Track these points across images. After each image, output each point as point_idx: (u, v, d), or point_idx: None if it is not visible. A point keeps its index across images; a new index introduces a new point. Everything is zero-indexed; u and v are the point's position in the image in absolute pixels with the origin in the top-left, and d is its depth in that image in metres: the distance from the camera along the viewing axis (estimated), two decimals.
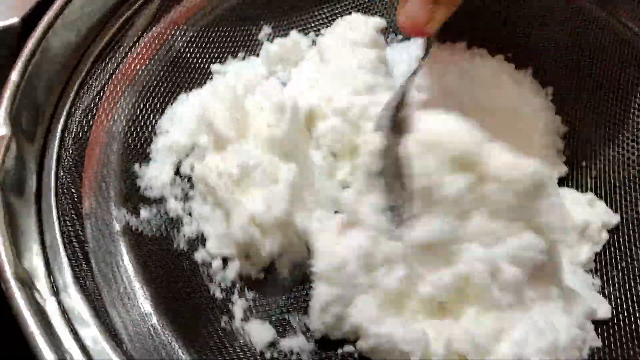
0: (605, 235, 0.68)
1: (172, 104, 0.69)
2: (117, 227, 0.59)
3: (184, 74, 0.72)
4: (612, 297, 0.64)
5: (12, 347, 0.47)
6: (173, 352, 0.54)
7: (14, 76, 0.55)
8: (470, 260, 0.56)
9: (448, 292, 0.56)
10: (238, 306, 0.60)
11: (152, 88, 0.69)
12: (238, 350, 0.57)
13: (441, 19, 0.57)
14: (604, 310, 0.63)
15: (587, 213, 0.68)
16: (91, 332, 0.50)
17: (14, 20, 0.69)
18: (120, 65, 0.67)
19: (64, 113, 0.61)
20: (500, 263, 0.56)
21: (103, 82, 0.65)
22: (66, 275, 0.52)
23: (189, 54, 0.73)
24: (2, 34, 0.69)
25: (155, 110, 0.68)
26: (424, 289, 0.57)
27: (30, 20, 0.69)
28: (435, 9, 0.56)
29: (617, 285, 0.64)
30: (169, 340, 0.54)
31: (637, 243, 0.66)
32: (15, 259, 0.46)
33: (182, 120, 0.68)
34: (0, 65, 0.66)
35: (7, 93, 0.54)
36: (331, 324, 0.57)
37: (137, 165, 0.65)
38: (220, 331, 0.58)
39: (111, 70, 0.66)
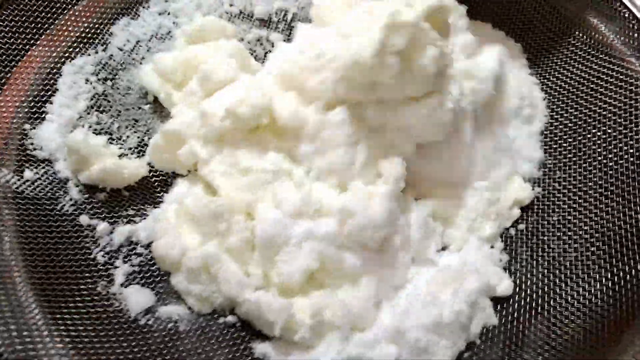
0: (516, 212, 0.65)
1: (72, 64, 0.68)
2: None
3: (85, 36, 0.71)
4: (518, 274, 0.61)
5: None
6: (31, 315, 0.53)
7: None
8: None
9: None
10: (121, 271, 0.58)
11: (55, 48, 0.67)
12: (111, 316, 0.55)
13: None
14: (504, 286, 0.60)
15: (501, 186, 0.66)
16: None
17: None
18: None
19: None
20: None
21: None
22: None
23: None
24: None
25: (54, 72, 0.67)
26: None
27: None
28: None
29: (523, 262, 0.62)
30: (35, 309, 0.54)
31: (550, 219, 0.63)
32: None
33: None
34: None
35: None
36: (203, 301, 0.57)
37: (27, 125, 0.63)
38: (94, 296, 0.56)
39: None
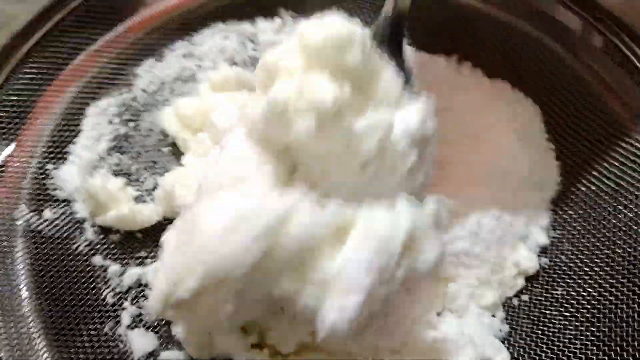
0: (520, 282, 0.65)
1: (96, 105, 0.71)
2: (17, 224, 0.61)
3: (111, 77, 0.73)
4: (517, 346, 0.61)
5: None
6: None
7: None
8: None
9: None
10: (128, 312, 0.61)
11: (80, 89, 0.71)
12: (116, 357, 0.58)
13: None
14: (501, 359, 0.60)
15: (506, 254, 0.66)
16: None
17: None
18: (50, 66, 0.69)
19: None
20: None
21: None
22: None
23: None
24: None
25: (79, 113, 0.70)
26: None
27: None
28: None
29: (523, 334, 0.62)
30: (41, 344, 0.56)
31: (554, 292, 0.63)
32: None
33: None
34: None
35: None
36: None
37: (50, 165, 0.66)
38: (102, 336, 0.59)
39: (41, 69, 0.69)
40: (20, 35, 0.67)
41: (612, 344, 0.57)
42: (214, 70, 0.75)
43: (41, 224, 0.63)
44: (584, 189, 0.67)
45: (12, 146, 0.65)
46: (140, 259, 0.64)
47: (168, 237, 0.54)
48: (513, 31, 0.76)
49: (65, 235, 0.63)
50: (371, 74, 0.52)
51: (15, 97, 0.67)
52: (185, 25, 0.78)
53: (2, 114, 0.66)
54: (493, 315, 0.62)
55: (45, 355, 0.56)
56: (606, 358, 0.57)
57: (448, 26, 0.79)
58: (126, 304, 0.61)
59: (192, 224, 0.50)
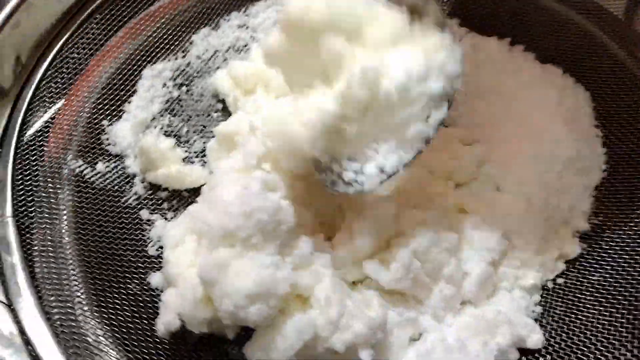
0: (561, 265, 0.65)
1: (152, 68, 0.74)
2: (68, 174, 0.65)
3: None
4: (548, 328, 0.61)
5: None
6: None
7: None
8: None
9: None
10: None
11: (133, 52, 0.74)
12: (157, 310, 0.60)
13: None
14: (534, 340, 0.60)
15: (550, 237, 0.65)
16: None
17: None
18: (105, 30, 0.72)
19: (45, 65, 0.67)
20: None
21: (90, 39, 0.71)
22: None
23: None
24: None
25: (134, 74, 0.73)
26: None
27: None
28: None
29: (556, 317, 0.61)
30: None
31: (591, 278, 0.62)
32: None
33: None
34: None
35: None
36: None
37: (105, 122, 0.69)
38: (144, 286, 0.61)
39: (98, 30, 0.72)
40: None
41: None
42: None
43: (94, 175, 0.66)
44: (628, 177, 0.66)
45: (67, 100, 0.68)
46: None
47: None
48: (568, 21, 0.76)
49: (115, 188, 0.66)
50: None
51: (76, 55, 0.70)
52: None
53: (62, 70, 0.69)
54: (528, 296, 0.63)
55: (86, 305, 0.58)
56: (638, 347, 0.56)
57: (502, 11, 0.79)
58: None
59: None
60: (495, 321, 0.59)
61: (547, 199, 0.65)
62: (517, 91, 0.72)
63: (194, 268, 0.53)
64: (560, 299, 0.62)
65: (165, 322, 0.53)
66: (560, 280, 0.63)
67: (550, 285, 0.63)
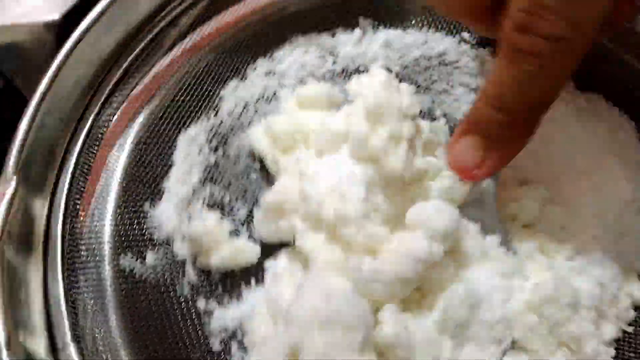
0: (632, 313, 0.63)
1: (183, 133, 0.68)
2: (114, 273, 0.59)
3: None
4: None
5: None
6: None
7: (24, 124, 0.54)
8: None
9: None
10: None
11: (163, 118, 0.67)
12: None
13: (492, 167, 0.56)
14: None
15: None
16: None
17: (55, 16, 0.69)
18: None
19: (75, 155, 0.60)
20: None
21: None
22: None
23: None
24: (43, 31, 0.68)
25: (166, 143, 0.67)
26: None
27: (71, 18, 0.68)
28: (487, 156, 0.54)
29: None
30: None
31: None
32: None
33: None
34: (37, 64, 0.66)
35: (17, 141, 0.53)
36: None
37: (147, 204, 0.63)
38: None
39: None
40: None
41: None
42: (300, 86, 0.72)
43: (144, 270, 0.61)
44: None
45: None
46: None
47: None
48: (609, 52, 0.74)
49: (167, 279, 0.61)
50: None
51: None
52: (264, 41, 0.74)
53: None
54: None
55: None
56: None
57: None
58: (234, 349, 0.59)
59: None
60: None
61: (613, 242, 0.64)
62: (564, 125, 0.70)
63: None
64: (631, 348, 0.62)
65: None
66: (630, 329, 0.63)
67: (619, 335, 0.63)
